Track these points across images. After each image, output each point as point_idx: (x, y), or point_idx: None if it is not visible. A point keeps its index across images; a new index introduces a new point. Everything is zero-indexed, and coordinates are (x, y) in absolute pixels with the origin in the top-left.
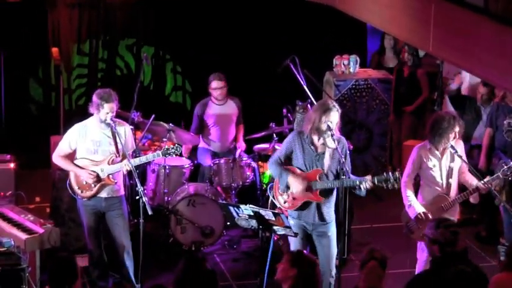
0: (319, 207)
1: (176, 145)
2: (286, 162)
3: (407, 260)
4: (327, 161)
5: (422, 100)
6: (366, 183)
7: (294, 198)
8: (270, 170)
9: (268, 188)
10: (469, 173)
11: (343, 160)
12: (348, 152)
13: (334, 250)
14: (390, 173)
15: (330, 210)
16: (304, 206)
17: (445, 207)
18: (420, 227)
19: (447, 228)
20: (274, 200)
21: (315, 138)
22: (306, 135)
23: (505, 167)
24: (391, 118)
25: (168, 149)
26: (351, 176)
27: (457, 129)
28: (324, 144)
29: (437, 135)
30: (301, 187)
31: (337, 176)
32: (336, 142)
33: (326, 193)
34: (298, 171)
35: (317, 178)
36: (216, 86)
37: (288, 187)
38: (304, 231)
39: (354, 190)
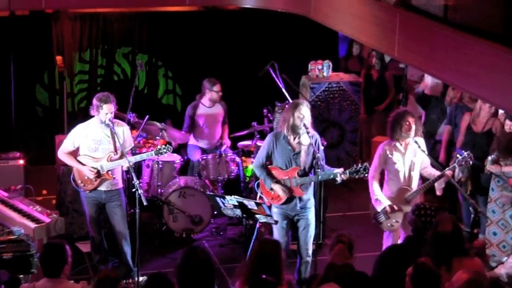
0: (300, 197)
1: (167, 145)
2: (268, 162)
3: (375, 244)
4: (303, 158)
5: (390, 99)
6: (340, 176)
7: (279, 196)
8: (255, 172)
9: (255, 185)
10: (431, 166)
11: (318, 155)
12: (322, 145)
13: (312, 232)
14: (359, 165)
15: (309, 197)
16: (288, 199)
17: (408, 198)
18: (386, 219)
19: (420, 217)
20: (262, 196)
21: (291, 138)
22: (283, 136)
23: (460, 157)
24: (363, 117)
25: (160, 149)
26: (326, 167)
27: (409, 119)
28: (299, 143)
29: (392, 128)
30: (283, 192)
31: (313, 169)
32: (310, 138)
33: (305, 185)
34: (278, 170)
35: (296, 175)
36: (218, 89)
37: (271, 189)
38: (287, 218)
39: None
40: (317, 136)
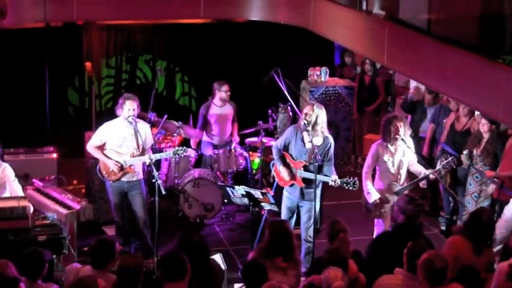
0: (302, 189)
1: (183, 147)
2: (285, 149)
3: (366, 229)
4: (310, 155)
5: (380, 102)
6: (334, 182)
7: (284, 178)
8: (273, 151)
9: (270, 164)
10: (417, 163)
11: (319, 157)
12: (332, 148)
13: (311, 220)
14: (351, 179)
15: (310, 191)
16: (293, 185)
17: (397, 192)
18: (376, 209)
19: (416, 207)
20: (274, 174)
21: (304, 135)
22: (300, 131)
23: (444, 161)
24: (355, 116)
25: (177, 150)
26: (330, 170)
27: (397, 123)
28: (311, 142)
29: (383, 132)
30: (287, 176)
31: (319, 168)
32: (322, 140)
33: (307, 180)
34: (290, 158)
35: (301, 168)
36: (226, 89)
37: (280, 171)
38: (293, 202)
39: None
40: (328, 141)
